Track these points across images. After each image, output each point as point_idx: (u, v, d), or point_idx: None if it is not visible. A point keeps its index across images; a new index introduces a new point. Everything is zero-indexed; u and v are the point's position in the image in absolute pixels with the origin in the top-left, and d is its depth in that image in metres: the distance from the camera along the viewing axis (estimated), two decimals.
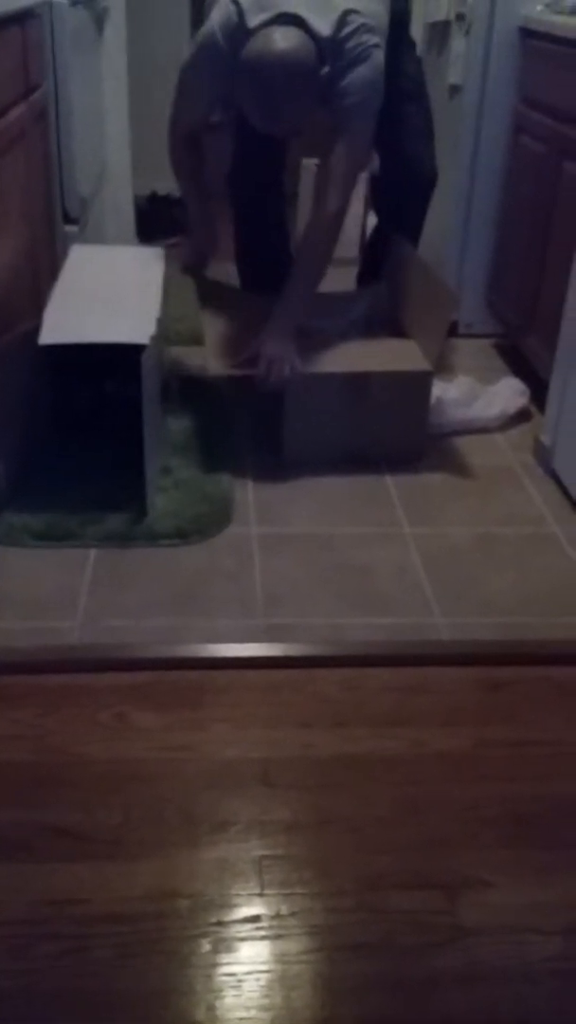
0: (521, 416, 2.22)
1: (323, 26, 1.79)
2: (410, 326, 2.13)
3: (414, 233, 2.31)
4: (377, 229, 2.49)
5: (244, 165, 2.13)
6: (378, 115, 1.96)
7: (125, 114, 3.06)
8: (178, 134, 2.10)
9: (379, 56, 1.85)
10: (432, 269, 2.16)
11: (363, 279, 2.49)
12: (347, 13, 1.81)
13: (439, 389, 2.09)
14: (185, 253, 2.31)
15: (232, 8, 1.84)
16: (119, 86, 3.00)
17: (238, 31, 1.82)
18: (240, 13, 1.82)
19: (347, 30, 1.81)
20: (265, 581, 1.64)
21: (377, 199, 2.54)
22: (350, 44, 1.82)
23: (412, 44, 2.22)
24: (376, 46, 1.84)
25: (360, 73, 1.84)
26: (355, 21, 1.81)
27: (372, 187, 2.60)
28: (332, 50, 1.81)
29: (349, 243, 2.56)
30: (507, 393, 2.23)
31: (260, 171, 2.23)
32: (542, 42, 2.23)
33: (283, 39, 1.76)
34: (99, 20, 2.81)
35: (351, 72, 1.84)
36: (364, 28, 1.82)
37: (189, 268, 2.28)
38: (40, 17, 2.13)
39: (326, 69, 1.81)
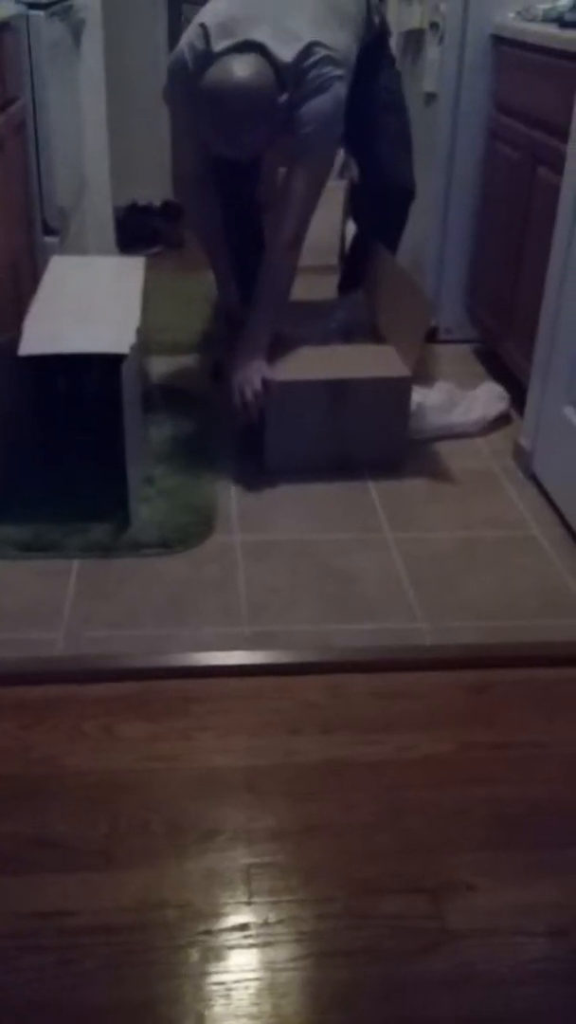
0: (501, 421, 2.23)
1: (285, 54, 1.80)
2: (388, 333, 2.15)
3: (392, 242, 2.33)
4: (357, 237, 2.50)
5: (217, 181, 2.14)
6: (359, 126, 1.97)
7: (104, 125, 3.07)
8: (191, 174, 2.07)
9: (340, 89, 1.86)
10: (408, 275, 2.18)
11: (344, 287, 2.50)
12: (312, 45, 1.82)
13: (419, 395, 2.10)
14: (223, 319, 2.30)
15: (199, 31, 1.85)
16: (97, 97, 3.02)
17: (203, 56, 1.83)
18: (206, 37, 1.83)
19: (309, 60, 1.82)
20: (249, 589, 1.65)
21: (356, 208, 2.56)
22: (311, 74, 1.82)
23: (392, 59, 2.24)
24: (339, 78, 1.85)
25: (318, 103, 1.84)
26: (319, 52, 1.82)
27: (351, 196, 2.61)
28: (293, 78, 1.82)
29: (329, 251, 2.57)
30: (487, 398, 2.25)
31: (233, 187, 2.24)
32: (514, 49, 2.25)
33: (240, 68, 1.77)
34: (76, 32, 2.82)
35: (309, 102, 1.84)
36: (327, 60, 1.83)
37: (230, 327, 2.26)
38: (17, 29, 2.14)
39: (285, 96, 1.81)
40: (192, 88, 1.84)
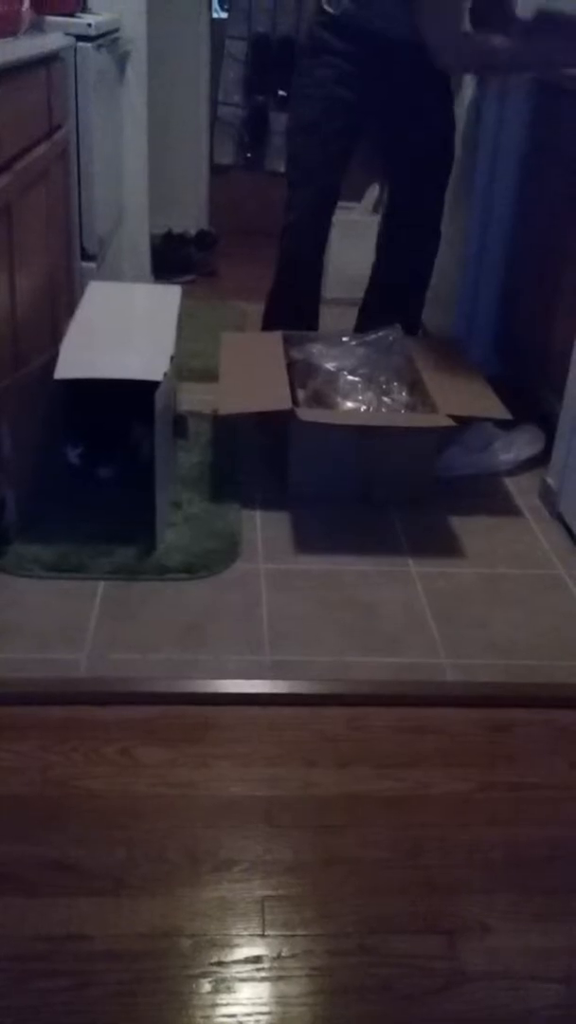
0: (533, 462, 2.20)
1: None
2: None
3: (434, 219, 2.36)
4: (376, 276, 2.52)
5: (307, 209, 2.24)
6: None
7: (144, 155, 3.12)
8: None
9: None
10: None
11: (362, 326, 2.51)
12: None
13: (455, 433, 2.08)
14: None
15: None
16: (139, 127, 3.07)
17: None
18: None
19: None
20: (271, 618, 1.65)
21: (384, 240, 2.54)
22: None
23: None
24: None
25: None
26: None
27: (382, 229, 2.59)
28: None
29: (361, 284, 2.59)
30: (523, 439, 2.22)
31: (320, 215, 2.31)
32: (554, 91, 2.27)
33: None
34: (121, 63, 2.87)
35: None
36: None
37: None
38: (65, 60, 2.19)
39: None
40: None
